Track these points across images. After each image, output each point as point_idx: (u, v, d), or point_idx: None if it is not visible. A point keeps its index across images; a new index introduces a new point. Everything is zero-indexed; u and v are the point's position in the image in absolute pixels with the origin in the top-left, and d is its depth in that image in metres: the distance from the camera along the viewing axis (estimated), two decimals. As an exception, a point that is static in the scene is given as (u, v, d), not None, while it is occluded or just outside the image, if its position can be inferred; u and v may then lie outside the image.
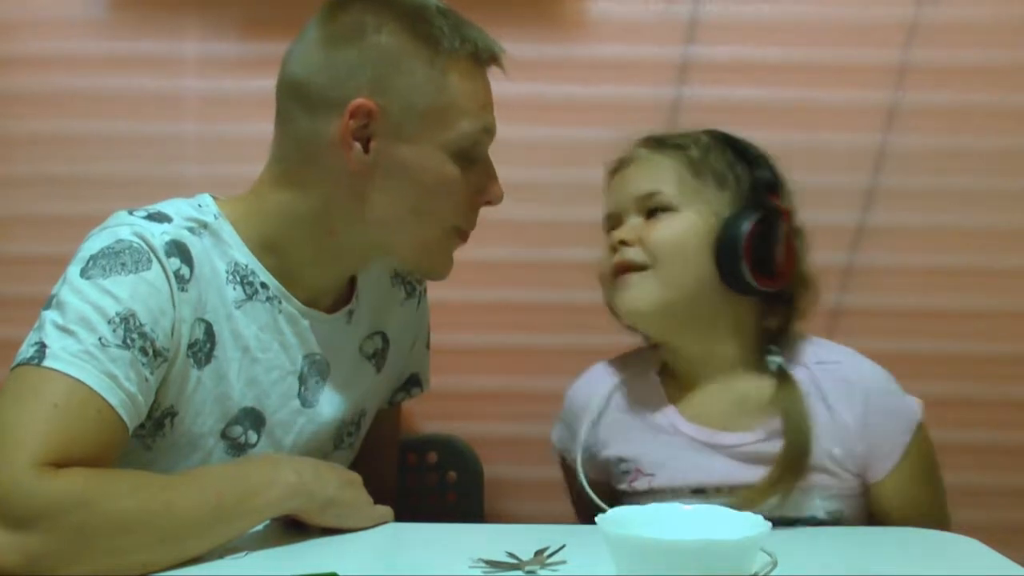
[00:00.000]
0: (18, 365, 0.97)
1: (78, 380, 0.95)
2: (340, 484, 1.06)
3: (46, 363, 0.95)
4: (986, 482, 1.55)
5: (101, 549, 0.89)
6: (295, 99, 1.11)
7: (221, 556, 0.96)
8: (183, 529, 0.93)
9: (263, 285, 1.12)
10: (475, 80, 1.11)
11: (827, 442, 1.12)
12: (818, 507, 1.12)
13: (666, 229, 1.14)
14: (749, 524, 0.89)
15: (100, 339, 0.97)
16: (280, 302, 1.13)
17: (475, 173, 1.13)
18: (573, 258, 1.55)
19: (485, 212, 1.17)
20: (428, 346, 1.37)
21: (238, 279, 1.11)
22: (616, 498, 1.18)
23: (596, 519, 0.88)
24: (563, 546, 0.97)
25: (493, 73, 1.15)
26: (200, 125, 1.59)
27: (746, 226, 1.11)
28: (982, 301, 1.56)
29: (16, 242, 1.59)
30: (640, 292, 1.14)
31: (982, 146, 1.56)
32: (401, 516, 1.12)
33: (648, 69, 1.57)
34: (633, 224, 1.15)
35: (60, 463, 0.91)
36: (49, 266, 1.08)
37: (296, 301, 1.14)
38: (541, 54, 1.57)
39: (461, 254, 1.18)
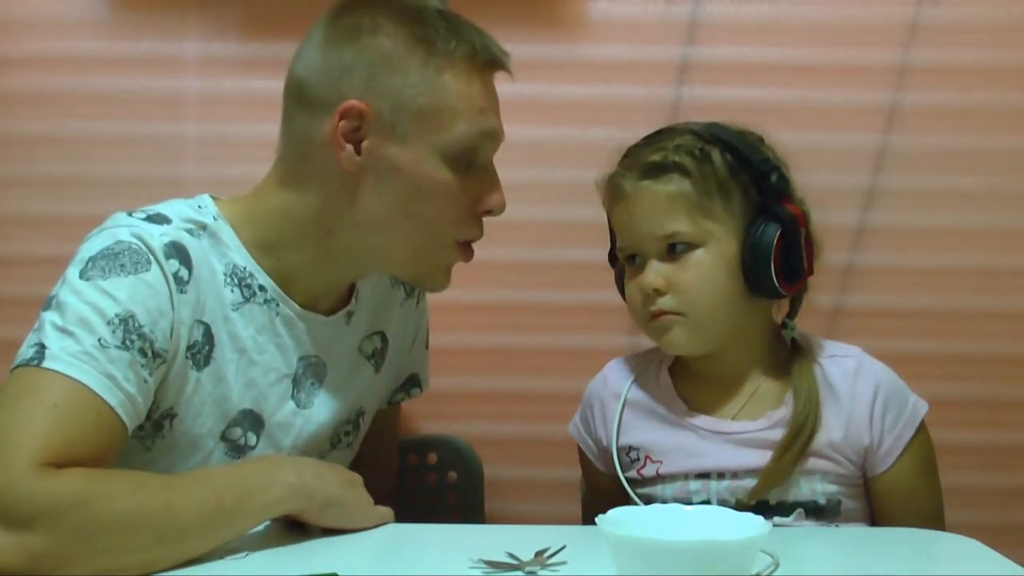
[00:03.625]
0: (18, 366, 0.97)
1: (77, 381, 0.95)
2: (340, 484, 1.06)
3: (45, 364, 0.95)
4: (986, 482, 1.55)
5: (101, 549, 0.89)
6: (295, 99, 1.11)
7: (222, 556, 0.96)
8: (183, 529, 0.93)
9: (261, 287, 1.12)
10: (472, 83, 1.09)
11: (832, 430, 1.14)
12: (818, 492, 1.14)
13: (694, 274, 1.13)
14: (750, 525, 0.89)
15: (99, 340, 0.97)
16: (278, 304, 1.13)
17: (474, 180, 1.11)
18: (574, 258, 1.55)
19: (486, 213, 1.16)
20: (427, 346, 1.37)
21: (236, 281, 1.11)
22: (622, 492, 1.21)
23: (596, 519, 0.88)
24: (563, 547, 0.97)
25: (499, 77, 1.14)
26: (200, 125, 1.59)
27: (770, 245, 1.11)
28: (982, 301, 1.56)
29: (16, 242, 1.59)
30: (681, 336, 1.15)
31: (982, 146, 1.56)
32: (401, 516, 1.12)
33: (648, 69, 1.57)
34: (657, 268, 1.15)
35: (60, 463, 0.91)
36: (50, 266, 1.08)
37: (294, 304, 1.14)
38: (542, 54, 1.57)
39: (462, 253, 1.17)
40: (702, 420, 1.18)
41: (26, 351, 0.97)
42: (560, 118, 1.57)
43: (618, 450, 1.22)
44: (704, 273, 1.13)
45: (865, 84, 1.56)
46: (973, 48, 1.55)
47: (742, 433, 1.16)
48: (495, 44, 1.12)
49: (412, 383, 1.37)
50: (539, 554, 0.95)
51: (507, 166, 1.16)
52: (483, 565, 0.93)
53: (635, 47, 1.57)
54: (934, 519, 1.19)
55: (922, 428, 1.18)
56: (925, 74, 1.55)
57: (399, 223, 1.10)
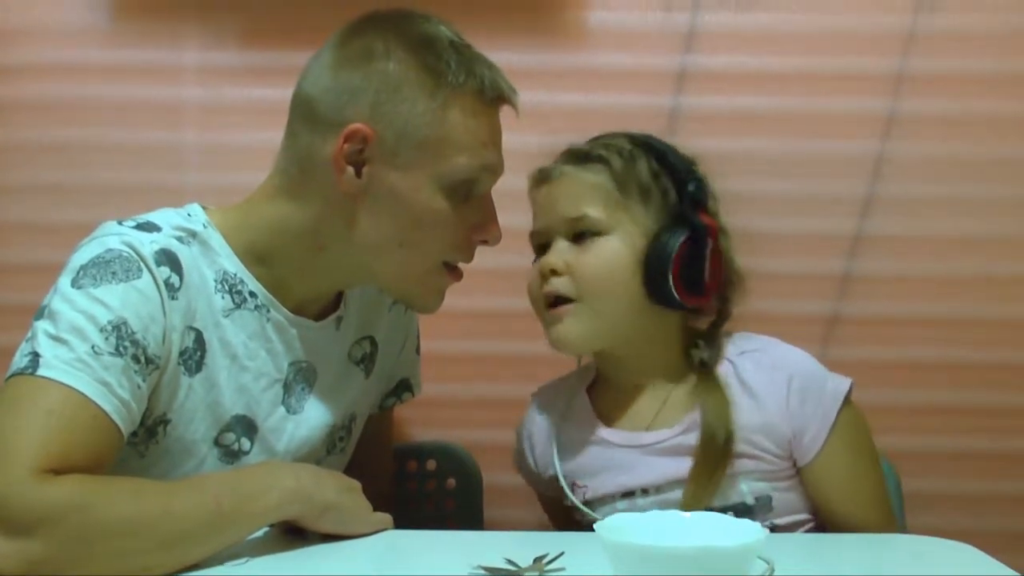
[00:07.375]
0: (12, 375, 0.97)
1: (72, 388, 0.95)
2: (339, 489, 1.06)
3: (40, 372, 0.96)
4: (983, 489, 1.54)
5: (100, 554, 0.90)
6: (301, 115, 1.12)
7: (222, 562, 0.96)
8: (182, 534, 0.94)
9: (251, 294, 1.13)
10: (477, 117, 1.11)
11: (750, 428, 1.13)
12: (745, 493, 1.13)
13: (595, 258, 1.14)
14: (747, 531, 0.89)
15: (93, 347, 0.98)
16: (268, 310, 1.14)
17: (472, 210, 1.13)
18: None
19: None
20: (418, 351, 1.38)
21: (226, 288, 1.11)
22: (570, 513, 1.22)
23: (595, 526, 0.88)
24: (562, 553, 0.97)
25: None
26: (200, 133, 1.60)
27: (673, 247, 1.12)
28: (980, 309, 1.56)
29: (16, 250, 1.59)
30: (571, 327, 1.15)
31: (980, 154, 1.56)
32: (400, 523, 1.12)
33: (646, 78, 1.58)
34: (561, 249, 1.15)
35: (57, 470, 0.91)
36: (51, 274, 1.08)
37: (284, 310, 1.15)
38: (540, 63, 1.57)
39: (462, 261, 1.18)
40: (619, 436, 1.18)
41: (20, 360, 0.98)
42: (558, 126, 1.55)
43: (551, 480, 1.22)
44: (604, 259, 1.14)
45: (862, 92, 1.56)
46: (971, 56, 1.55)
47: (659, 443, 1.16)
48: (504, 79, 1.13)
49: (403, 387, 1.37)
50: (538, 560, 0.96)
51: (505, 174, 1.16)
52: (482, 571, 0.93)
53: (633, 56, 1.58)
54: (876, 504, 1.16)
55: (847, 407, 1.15)
56: (922, 82, 1.56)
57: (392, 248, 1.12)
